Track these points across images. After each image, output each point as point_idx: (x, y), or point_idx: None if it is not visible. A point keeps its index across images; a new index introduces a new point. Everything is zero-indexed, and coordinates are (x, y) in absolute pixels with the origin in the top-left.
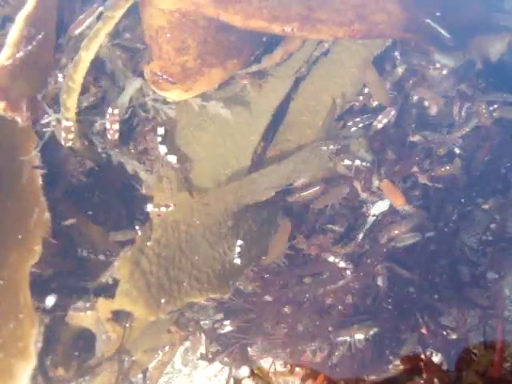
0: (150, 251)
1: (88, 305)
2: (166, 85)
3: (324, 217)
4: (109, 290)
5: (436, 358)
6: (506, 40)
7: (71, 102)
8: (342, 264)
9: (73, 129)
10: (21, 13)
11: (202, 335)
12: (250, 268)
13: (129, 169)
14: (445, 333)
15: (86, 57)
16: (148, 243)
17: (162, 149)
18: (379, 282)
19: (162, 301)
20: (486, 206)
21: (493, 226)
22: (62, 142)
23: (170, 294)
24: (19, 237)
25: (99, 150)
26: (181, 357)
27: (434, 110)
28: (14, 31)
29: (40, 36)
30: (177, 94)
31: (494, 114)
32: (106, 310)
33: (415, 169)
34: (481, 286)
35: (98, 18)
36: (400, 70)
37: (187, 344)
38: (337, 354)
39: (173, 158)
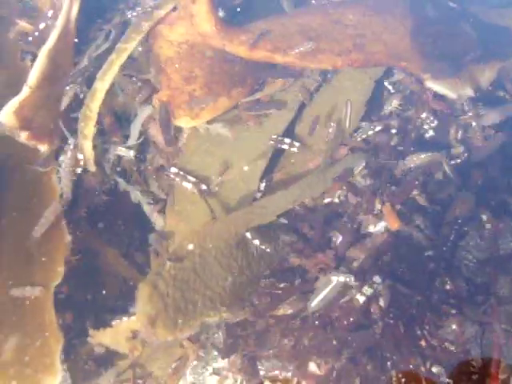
0: (167, 274)
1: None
2: (175, 112)
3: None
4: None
5: (435, 370)
6: (495, 68)
7: (88, 130)
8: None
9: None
10: (43, 48)
11: (214, 350)
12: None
13: (132, 198)
14: (444, 345)
15: (102, 87)
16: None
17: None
18: (381, 298)
19: (179, 321)
20: (482, 225)
21: (489, 244)
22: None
23: (185, 314)
24: (43, 259)
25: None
26: (192, 371)
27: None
28: (38, 63)
29: None
30: (184, 121)
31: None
32: (126, 329)
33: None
34: (478, 301)
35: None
36: (396, 101)
37: (199, 358)
38: (340, 366)
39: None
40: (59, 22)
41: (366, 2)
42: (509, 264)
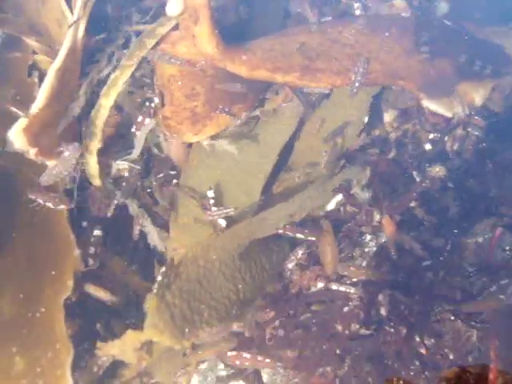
0: (173, 286)
1: None
2: (177, 128)
3: None
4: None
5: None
6: (488, 86)
7: (93, 146)
8: (347, 292)
9: None
10: (51, 67)
11: (218, 358)
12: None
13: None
14: (443, 352)
15: (106, 103)
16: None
17: None
18: (382, 308)
19: (186, 330)
20: (477, 236)
21: (483, 254)
22: None
23: (192, 323)
24: (53, 273)
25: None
26: (197, 379)
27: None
28: (47, 82)
29: None
30: (187, 137)
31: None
32: (135, 340)
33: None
34: None
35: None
36: (394, 112)
37: (203, 366)
38: (343, 374)
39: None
40: (67, 41)
41: (362, 21)
42: (504, 271)
